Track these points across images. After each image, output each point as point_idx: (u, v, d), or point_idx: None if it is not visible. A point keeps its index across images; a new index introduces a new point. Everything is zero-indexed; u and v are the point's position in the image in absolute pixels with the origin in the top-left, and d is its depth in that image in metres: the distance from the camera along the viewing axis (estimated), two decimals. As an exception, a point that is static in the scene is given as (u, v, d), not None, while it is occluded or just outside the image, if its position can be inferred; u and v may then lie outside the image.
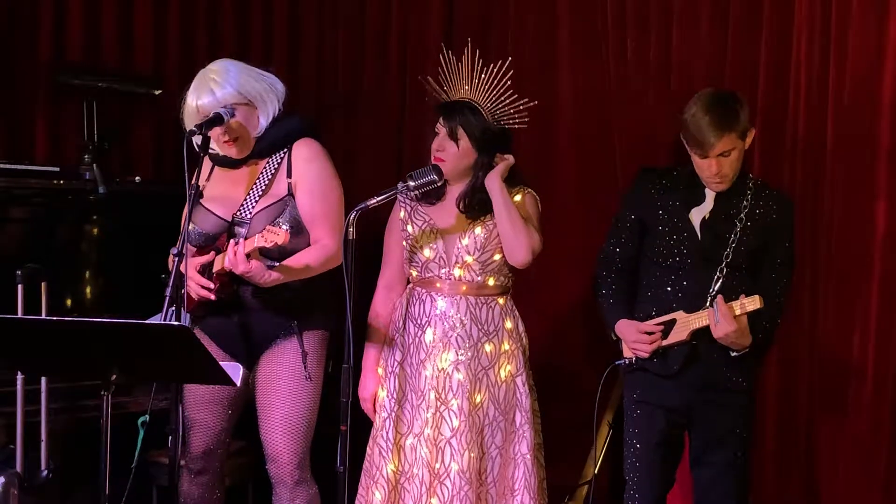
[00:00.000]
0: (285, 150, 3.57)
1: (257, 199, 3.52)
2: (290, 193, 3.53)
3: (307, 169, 3.55)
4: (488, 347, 3.70)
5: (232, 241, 3.34)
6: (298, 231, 3.51)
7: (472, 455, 3.65)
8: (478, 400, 3.68)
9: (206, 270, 3.48)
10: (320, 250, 3.51)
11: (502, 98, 3.71)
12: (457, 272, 3.70)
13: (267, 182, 3.54)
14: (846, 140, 3.82)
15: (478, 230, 3.69)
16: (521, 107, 3.71)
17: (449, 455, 3.65)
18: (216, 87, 3.48)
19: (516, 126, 3.72)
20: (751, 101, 3.98)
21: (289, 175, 3.54)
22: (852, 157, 3.81)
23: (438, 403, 3.68)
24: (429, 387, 3.69)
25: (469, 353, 3.68)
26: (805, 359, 3.94)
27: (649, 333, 3.53)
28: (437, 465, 3.66)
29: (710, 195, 3.55)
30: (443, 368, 3.69)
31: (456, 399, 3.67)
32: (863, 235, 3.80)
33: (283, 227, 3.24)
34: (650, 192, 3.61)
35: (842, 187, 3.83)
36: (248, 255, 3.30)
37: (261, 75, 3.57)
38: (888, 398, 3.77)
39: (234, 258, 3.29)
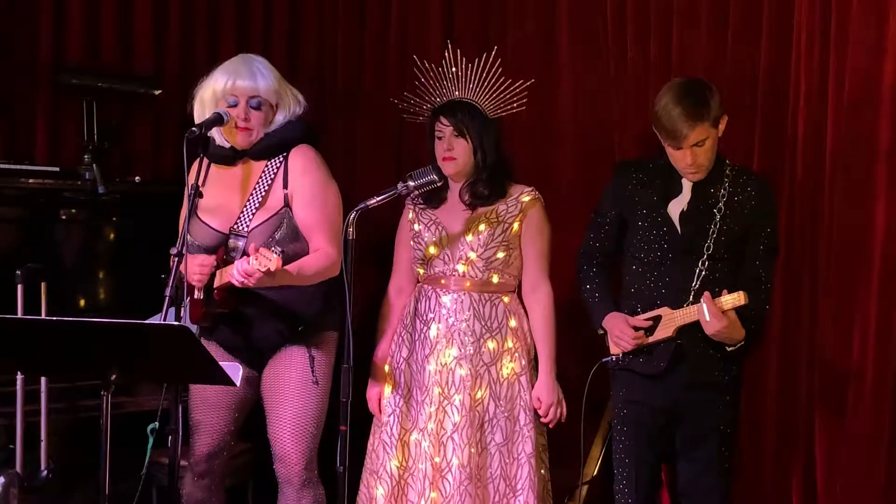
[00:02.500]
0: (281, 158, 3.57)
1: (254, 211, 3.52)
2: (287, 205, 3.53)
3: (303, 181, 3.55)
4: (491, 344, 3.72)
5: (239, 264, 3.32)
6: (297, 238, 3.52)
7: (473, 450, 3.67)
8: (478, 396, 3.70)
9: (208, 284, 3.48)
10: (324, 257, 3.50)
11: (496, 88, 3.77)
12: (461, 268, 3.72)
13: (263, 193, 3.54)
14: (846, 140, 3.81)
15: (482, 227, 3.73)
16: (517, 90, 3.77)
17: (451, 450, 3.67)
18: (259, 75, 3.55)
19: (515, 110, 3.79)
20: (751, 101, 3.99)
21: (285, 186, 3.55)
22: (852, 156, 3.80)
23: (441, 398, 3.70)
24: (432, 382, 3.72)
25: (471, 350, 3.69)
26: (805, 359, 3.94)
27: (638, 329, 3.53)
28: (439, 460, 3.67)
29: (687, 186, 3.56)
30: (445, 364, 3.71)
31: (458, 394, 3.69)
32: (863, 235, 3.79)
33: (276, 251, 3.24)
34: (627, 187, 3.62)
35: (842, 187, 3.83)
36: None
37: (289, 85, 3.65)
38: (888, 398, 3.77)
39: (243, 275, 3.28)
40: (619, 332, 3.55)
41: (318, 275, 3.51)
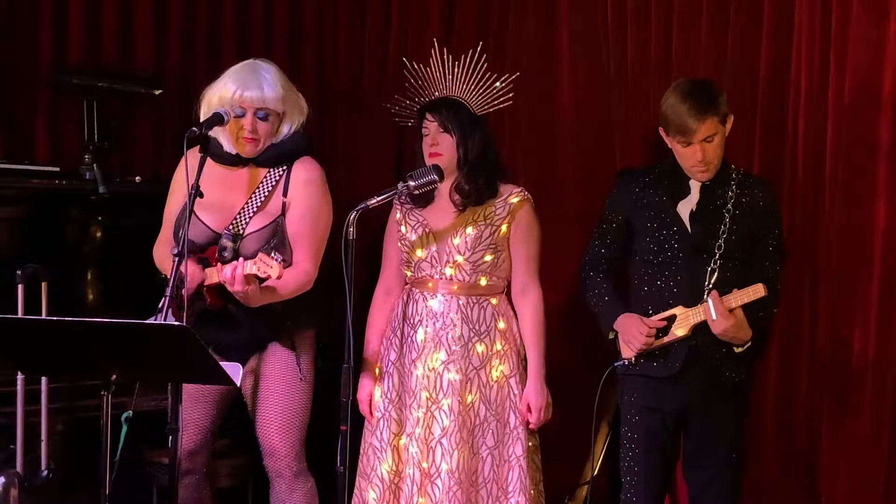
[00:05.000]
0: (285, 167, 3.58)
1: (252, 214, 3.53)
2: (283, 213, 3.54)
3: (303, 192, 3.58)
4: (480, 348, 3.70)
5: (234, 262, 3.34)
6: (283, 247, 3.52)
7: (463, 455, 3.65)
8: (469, 400, 3.68)
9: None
10: (300, 274, 3.53)
11: (483, 84, 3.76)
12: (448, 271, 3.71)
13: (263, 198, 3.55)
14: (846, 140, 3.81)
15: (469, 230, 3.70)
16: (503, 85, 3.77)
17: (440, 455, 3.65)
18: (266, 86, 3.54)
19: (501, 105, 3.78)
20: (751, 101, 3.99)
21: (284, 194, 3.56)
22: (852, 156, 3.81)
23: (430, 403, 3.69)
24: (420, 386, 3.70)
25: (460, 353, 3.68)
26: (805, 359, 3.94)
27: (652, 329, 3.51)
28: (427, 465, 3.66)
29: (695, 187, 3.56)
30: (434, 368, 3.69)
31: (447, 399, 3.67)
32: (863, 235, 3.79)
33: (277, 258, 3.24)
34: (634, 191, 3.61)
35: (842, 187, 3.83)
36: (246, 279, 3.31)
37: (296, 91, 3.64)
38: (888, 398, 3.77)
39: (231, 278, 3.29)
40: (636, 331, 3.52)
41: (294, 291, 3.52)
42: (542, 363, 3.74)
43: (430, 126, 3.74)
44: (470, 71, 3.79)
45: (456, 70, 3.79)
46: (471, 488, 3.68)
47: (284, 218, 3.55)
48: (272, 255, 3.29)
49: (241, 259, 3.34)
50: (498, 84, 3.80)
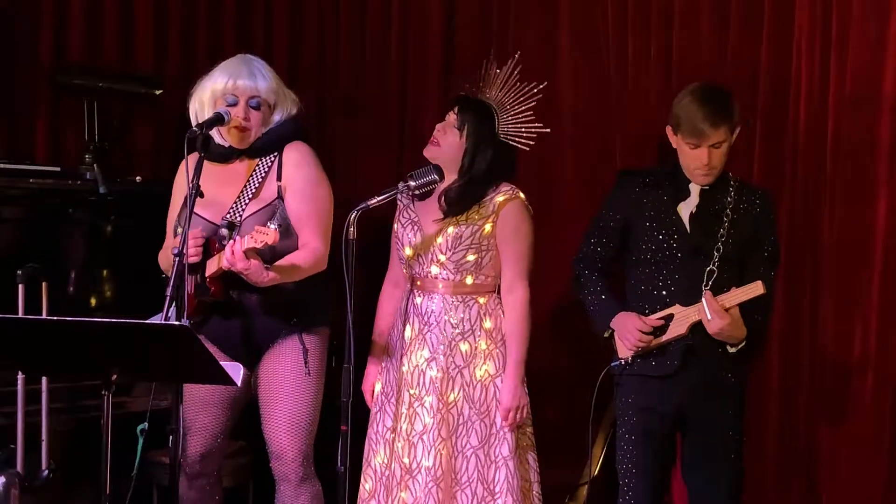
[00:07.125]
0: (276, 153, 3.59)
1: (247, 201, 3.54)
2: (280, 196, 3.54)
3: (296, 173, 3.57)
4: (464, 346, 3.69)
5: (230, 241, 3.35)
6: (288, 234, 3.52)
7: (443, 453, 3.64)
8: (451, 398, 3.68)
9: (200, 274, 3.48)
10: (310, 253, 3.51)
11: (520, 116, 3.72)
12: (433, 270, 3.71)
13: (257, 185, 3.56)
14: (846, 139, 3.82)
15: (450, 229, 3.68)
16: (535, 132, 3.72)
17: (420, 451, 3.66)
18: (259, 76, 3.57)
19: (520, 146, 3.73)
20: (751, 101, 3.99)
21: (279, 178, 3.57)
22: (852, 156, 3.81)
23: (412, 400, 3.69)
24: (405, 383, 3.71)
25: (443, 351, 3.67)
26: (805, 359, 3.94)
27: (650, 328, 3.51)
28: (408, 461, 3.67)
29: (695, 191, 3.56)
30: (417, 365, 3.70)
31: (428, 396, 3.67)
32: (864, 235, 3.80)
33: (272, 226, 3.24)
34: (635, 191, 3.61)
35: (842, 187, 3.84)
36: (246, 254, 3.31)
37: (285, 87, 3.66)
38: (888, 398, 3.78)
39: (232, 256, 3.29)
40: (633, 328, 3.51)
41: (306, 270, 3.50)
42: (520, 362, 3.68)
43: (450, 117, 3.72)
44: (522, 98, 3.74)
45: (507, 87, 3.74)
46: (454, 487, 3.66)
47: (283, 202, 3.55)
48: (267, 224, 3.29)
49: (238, 237, 3.33)
50: (533, 126, 3.76)
